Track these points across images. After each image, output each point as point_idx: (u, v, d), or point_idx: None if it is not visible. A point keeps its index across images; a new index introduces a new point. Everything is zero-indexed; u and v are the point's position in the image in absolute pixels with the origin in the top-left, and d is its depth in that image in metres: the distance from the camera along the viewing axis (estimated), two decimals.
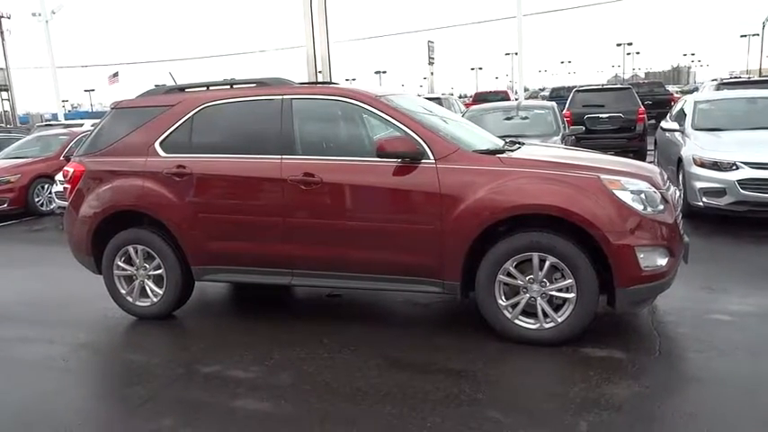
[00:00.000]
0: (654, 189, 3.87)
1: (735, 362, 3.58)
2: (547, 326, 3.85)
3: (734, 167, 6.57)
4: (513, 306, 3.91)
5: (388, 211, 4.10)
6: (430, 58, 60.08)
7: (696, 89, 22.89)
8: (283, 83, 4.63)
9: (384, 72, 72.94)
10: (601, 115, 12.22)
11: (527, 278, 3.85)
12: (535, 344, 3.87)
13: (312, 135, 4.49)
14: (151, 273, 4.75)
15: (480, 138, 4.67)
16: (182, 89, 4.90)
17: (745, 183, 6.45)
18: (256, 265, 4.47)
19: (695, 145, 7.29)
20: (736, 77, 25.71)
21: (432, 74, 62.82)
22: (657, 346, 3.82)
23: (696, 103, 8.19)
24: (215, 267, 4.57)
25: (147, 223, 4.74)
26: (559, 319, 3.82)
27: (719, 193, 6.63)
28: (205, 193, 4.51)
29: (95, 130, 5.07)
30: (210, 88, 4.80)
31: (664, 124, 8.56)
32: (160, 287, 4.75)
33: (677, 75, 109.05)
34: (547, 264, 3.78)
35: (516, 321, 3.91)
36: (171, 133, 4.66)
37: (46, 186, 11.04)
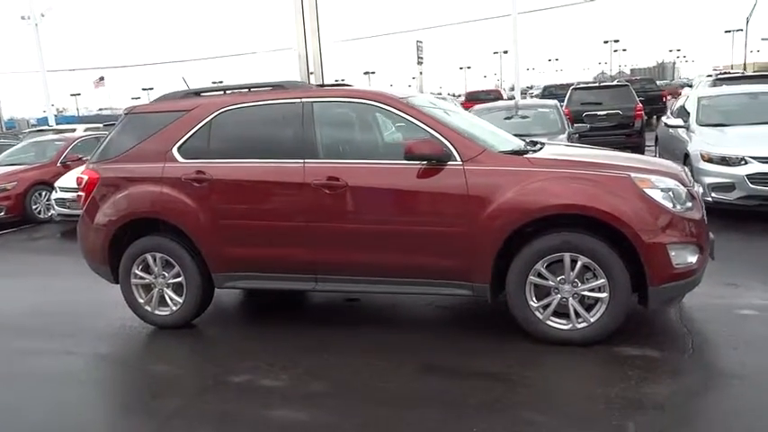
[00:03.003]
0: (681, 186, 3.87)
1: None
2: (579, 326, 3.83)
3: (742, 162, 6.61)
4: (545, 307, 3.88)
5: (416, 214, 4.06)
6: (419, 57, 60.11)
7: (689, 85, 23.05)
8: (303, 86, 4.58)
9: (373, 73, 72.90)
10: (599, 112, 12.27)
11: (558, 279, 3.83)
12: (567, 344, 3.85)
13: (334, 138, 4.44)
14: (170, 281, 4.67)
15: (502, 138, 4.65)
16: (197, 93, 4.82)
17: (754, 177, 6.49)
18: (279, 271, 4.41)
19: (702, 141, 7.32)
20: (720, 72, 25.97)
21: (420, 73, 62.89)
22: (690, 343, 3.81)
23: (699, 99, 8.24)
24: (236, 274, 4.50)
25: (165, 230, 4.66)
26: (592, 319, 3.80)
27: (728, 187, 6.66)
28: (226, 199, 4.44)
29: (109, 137, 4.98)
30: (228, 92, 4.74)
31: (667, 120, 8.59)
32: (179, 295, 4.68)
33: (662, 71, 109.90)
34: (579, 264, 3.76)
35: (548, 322, 3.89)
36: (189, 138, 4.58)
37: (43, 193, 10.86)
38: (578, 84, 15.61)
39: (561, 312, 3.88)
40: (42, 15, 21.30)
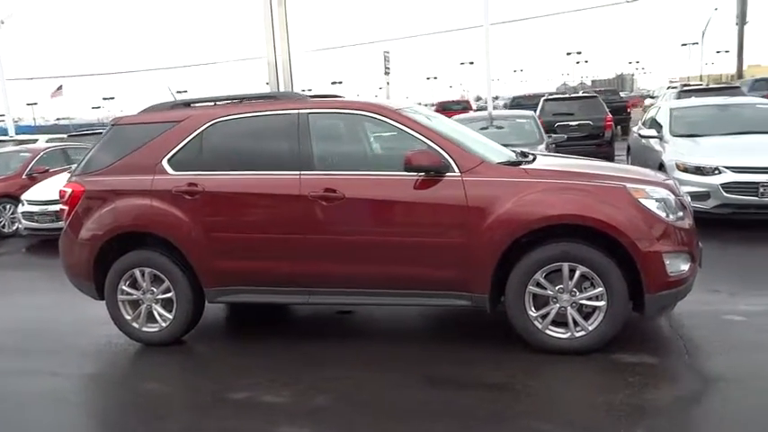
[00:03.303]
0: (673, 196, 3.97)
1: (763, 360, 3.69)
2: (578, 335, 3.88)
3: (717, 172, 6.82)
4: (543, 317, 3.92)
5: (414, 226, 4.06)
6: (386, 68, 60.52)
7: (652, 96, 23.67)
8: (298, 97, 4.55)
9: (340, 83, 72.94)
10: (571, 123, 12.53)
11: (557, 288, 3.87)
12: (566, 353, 3.89)
13: (331, 150, 4.41)
14: (159, 296, 4.55)
15: (495, 149, 4.69)
16: (187, 104, 4.75)
17: (728, 186, 6.70)
18: (273, 285, 4.34)
19: (676, 151, 7.54)
20: (685, 84, 26.80)
21: (388, 84, 63.29)
22: (684, 349, 3.90)
23: (672, 110, 8.49)
24: (229, 288, 4.42)
25: (153, 245, 4.55)
26: (590, 327, 3.85)
27: (704, 196, 6.85)
28: (219, 212, 4.36)
29: (94, 148, 4.85)
30: (219, 103, 4.67)
31: (641, 131, 8.82)
32: (169, 311, 4.56)
33: (621, 82, 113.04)
34: (577, 273, 3.81)
35: (547, 331, 3.92)
36: (179, 150, 4.50)
37: (8, 207, 10.49)
38: (550, 95, 15.89)
39: (559, 321, 3.93)
40: (2, 23, 20.65)
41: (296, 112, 4.35)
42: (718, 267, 5.58)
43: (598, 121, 12.60)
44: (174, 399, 3.76)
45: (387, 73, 66.12)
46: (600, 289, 3.80)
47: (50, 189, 8.56)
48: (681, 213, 3.93)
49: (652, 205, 3.81)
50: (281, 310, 5.25)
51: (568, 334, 3.90)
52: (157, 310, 4.58)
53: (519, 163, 4.24)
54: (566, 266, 3.83)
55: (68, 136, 17.92)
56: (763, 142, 7.26)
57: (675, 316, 4.45)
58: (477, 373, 3.79)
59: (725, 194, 6.71)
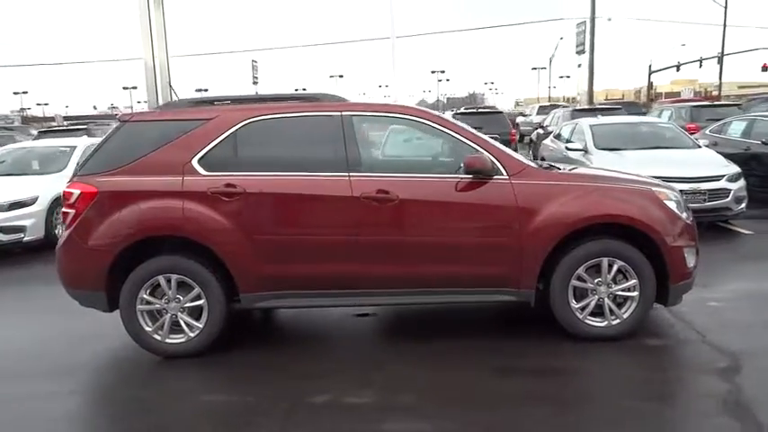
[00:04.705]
0: (681, 198, 4.55)
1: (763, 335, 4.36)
2: (613, 323, 4.30)
3: None
4: (583, 308, 4.29)
5: (467, 226, 4.24)
6: (254, 77, 59.47)
7: (524, 114, 25.75)
8: (337, 98, 4.53)
9: (206, 90, 70.06)
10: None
11: (595, 281, 4.26)
12: (602, 340, 4.28)
13: (377, 152, 4.45)
14: (186, 305, 4.27)
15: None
16: (211, 102, 4.52)
17: None
18: (319, 288, 4.28)
19: (603, 163, 8.38)
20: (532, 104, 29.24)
21: (256, 93, 62.26)
22: (696, 332, 4.46)
23: (592, 126, 9.46)
24: (269, 293, 4.27)
25: (178, 249, 4.26)
26: (624, 316, 4.29)
27: None
28: (262, 214, 4.21)
29: (102, 147, 4.42)
30: (247, 103, 4.51)
31: (569, 144, 9.68)
32: (197, 320, 4.29)
33: (473, 100, 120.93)
34: (615, 267, 4.23)
35: (586, 321, 4.29)
36: (211, 149, 4.27)
37: None
38: (460, 110, 16.79)
39: (596, 312, 4.31)
40: None
41: (339, 113, 4.34)
42: None
43: (504, 134, 13.57)
44: (249, 408, 3.56)
45: (255, 82, 65.13)
46: (633, 281, 4.25)
47: None
48: (688, 213, 4.52)
49: (672, 205, 4.35)
50: (307, 315, 5.12)
51: (605, 322, 4.30)
52: (184, 318, 4.29)
53: (554, 168, 4.59)
54: (605, 261, 4.23)
55: None
56: (678, 155, 8.38)
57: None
58: (537, 361, 4.06)
59: None
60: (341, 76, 63.24)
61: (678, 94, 53.65)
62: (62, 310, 4.74)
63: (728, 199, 7.62)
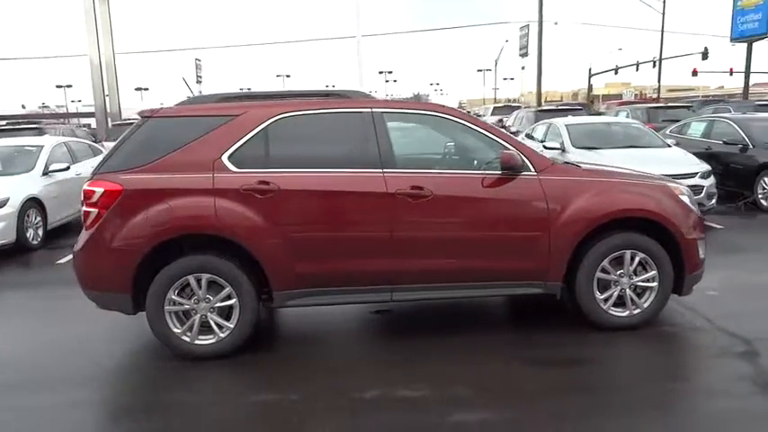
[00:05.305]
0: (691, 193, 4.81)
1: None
2: (634, 312, 4.49)
3: None
4: (607, 299, 4.46)
5: (498, 221, 4.33)
6: (197, 76, 58.06)
7: (479, 114, 26.31)
8: (366, 95, 4.54)
9: (146, 89, 67.94)
10: None
11: (618, 272, 4.44)
12: (623, 329, 4.46)
13: (409, 148, 4.49)
14: (216, 305, 4.18)
15: None
16: (238, 98, 4.44)
17: None
18: (353, 284, 4.27)
19: (581, 160, 8.73)
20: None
21: (200, 92, 60.80)
22: (706, 318, 4.71)
23: (568, 126, 9.79)
24: (302, 291, 4.23)
25: (207, 248, 4.16)
26: (645, 305, 4.49)
27: None
28: (298, 211, 4.17)
29: (124, 144, 4.26)
30: (275, 99, 4.45)
31: (545, 143, 9.97)
32: (228, 320, 4.20)
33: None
34: (636, 259, 4.42)
35: (610, 311, 4.47)
36: (241, 146, 4.20)
37: None
38: None
39: (617, 302, 4.50)
40: None
41: (369, 110, 4.35)
42: None
43: None
44: (302, 404, 3.53)
45: (199, 81, 63.54)
46: (653, 272, 4.45)
47: None
48: (697, 207, 4.77)
49: (686, 200, 4.59)
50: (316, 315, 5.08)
51: (627, 312, 4.49)
52: (214, 319, 4.20)
53: (575, 165, 4.75)
54: (628, 253, 4.42)
55: None
56: (652, 154, 8.80)
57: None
58: (568, 351, 4.21)
59: None
60: (288, 76, 62.57)
61: (617, 96, 56.04)
62: (38, 314, 4.56)
63: (702, 195, 8.05)
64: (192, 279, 4.14)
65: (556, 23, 42.49)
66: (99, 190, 4.11)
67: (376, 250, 4.23)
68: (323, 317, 5.02)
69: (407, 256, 4.26)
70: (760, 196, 9.39)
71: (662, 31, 35.33)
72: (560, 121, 10.07)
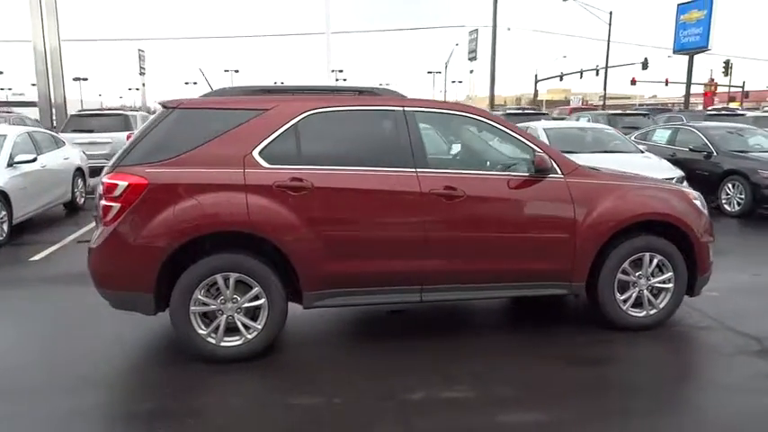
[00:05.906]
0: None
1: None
2: (651, 313, 4.63)
3: None
4: (626, 300, 4.58)
5: (528, 222, 4.37)
6: (141, 67, 55.95)
7: None
8: (395, 93, 4.48)
9: (85, 79, 64.90)
10: None
11: (636, 274, 4.57)
12: (640, 329, 4.60)
13: (440, 148, 4.46)
14: (243, 305, 4.03)
15: None
16: (267, 91, 4.30)
17: None
18: (384, 284, 4.21)
19: None
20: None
21: (144, 85, 58.50)
22: (713, 318, 4.91)
23: (546, 130, 10.01)
24: (333, 291, 4.14)
25: (235, 246, 4.01)
26: (661, 306, 4.64)
27: None
28: (331, 209, 4.07)
29: (147, 135, 4.05)
30: (304, 94, 4.33)
31: None
32: (255, 320, 4.06)
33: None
34: (655, 261, 4.56)
35: (628, 312, 4.59)
36: (272, 141, 4.07)
37: None
38: None
39: (635, 303, 4.62)
40: None
41: (401, 108, 4.30)
42: None
43: None
44: (347, 408, 3.44)
45: (142, 73, 61.16)
46: (669, 274, 4.60)
47: None
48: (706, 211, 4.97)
49: (699, 204, 4.77)
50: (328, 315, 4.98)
51: (644, 312, 4.62)
52: (241, 320, 4.05)
53: (597, 169, 4.85)
54: (647, 256, 4.55)
55: None
56: (629, 159, 9.08)
57: None
58: (595, 350, 4.29)
59: None
60: (236, 71, 61.23)
61: (561, 102, 57.85)
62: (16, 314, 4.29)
63: None
64: (219, 278, 3.98)
65: (509, 29, 43.34)
66: (123, 184, 3.88)
67: (408, 250, 4.19)
68: (335, 317, 4.94)
69: (439, 256, 4.23)
70: (723, 201, 9.90)
71: (608, 41, 36.76)
72: (539, 125, 10.28)
